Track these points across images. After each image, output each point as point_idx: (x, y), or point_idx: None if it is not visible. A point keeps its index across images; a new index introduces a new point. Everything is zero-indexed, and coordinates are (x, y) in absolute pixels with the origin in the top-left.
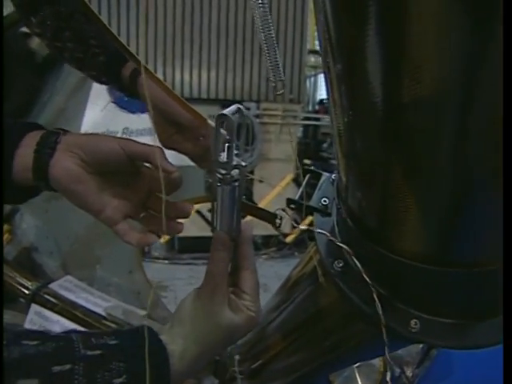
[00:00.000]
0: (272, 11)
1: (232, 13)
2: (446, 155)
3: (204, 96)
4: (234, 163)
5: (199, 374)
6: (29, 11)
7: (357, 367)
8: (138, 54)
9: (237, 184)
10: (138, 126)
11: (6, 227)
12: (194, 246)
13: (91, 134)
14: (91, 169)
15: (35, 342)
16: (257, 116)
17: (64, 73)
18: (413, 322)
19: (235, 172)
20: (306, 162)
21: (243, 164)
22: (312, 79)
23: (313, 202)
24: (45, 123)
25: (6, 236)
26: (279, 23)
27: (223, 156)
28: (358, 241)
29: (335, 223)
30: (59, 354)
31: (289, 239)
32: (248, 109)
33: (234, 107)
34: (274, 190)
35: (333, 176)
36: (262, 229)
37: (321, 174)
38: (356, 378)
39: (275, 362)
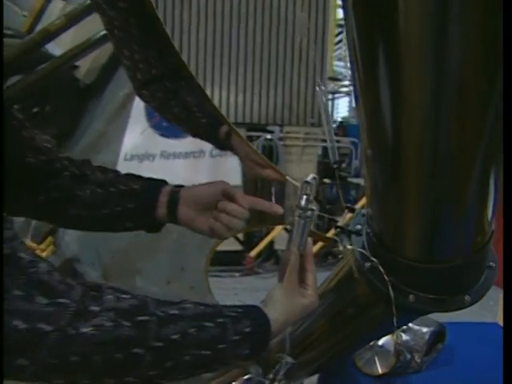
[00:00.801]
0: (296, 42)
1: (258, 43)
2: (427, 192)
3: (231, 120)
4: (309, 207)
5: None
6: (141, 85)
7: (376, 352)
8: None
9: (308, 219)
10: (175, 150)
11: (49, 239)
12: (220, 260)
13: (198, 185)
14: (200, 208)
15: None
16: (280, 139)
17: (104, 100)
18: (411, 296)
19: (309, 213)
20: (326, 180)
21: (314, 208)
22: (330, 103)
23: (351, 227)
24: (86, 145)
25: (50, 247)
26: (301, 53)
27: (303, 202)
28: (378, 249)
29: (364, 240)
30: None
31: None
32: (272, 132)
33: (311, 175)
34: None
35: (362, 211)
36: (283, 244)
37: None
38: (375, 361)
39: (315, 345)
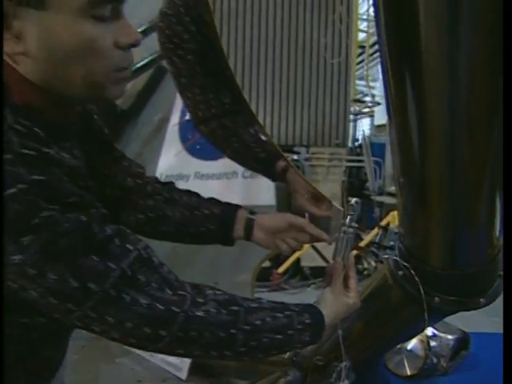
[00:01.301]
0: (321, 66)
1: (285, 67)
2: (448, 211)
3: None
4: (353, 225)
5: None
6: (201, 122)
7: (405, 355)
8: None
9: (351, 235)
10: (208, 171)
11: None
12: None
13: (270, 215)
14: (270, 233)
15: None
16: (306, 159)
17: (140, 123)
18: (436, 298)
19: (352, 230)
20: (351, 199)
21: (356, 226)
22: (351, 124)
23: (385, 243)
24: None
25: None
26: (326, 77)
27: (347, 221)
28: (408, 260)
29: (397, 253)
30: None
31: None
32: (299, 153)
33: (354, 199)
34: None
35: (395, 229)
36: (309, 261)
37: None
38: (404, 363)
39: (352, 347)
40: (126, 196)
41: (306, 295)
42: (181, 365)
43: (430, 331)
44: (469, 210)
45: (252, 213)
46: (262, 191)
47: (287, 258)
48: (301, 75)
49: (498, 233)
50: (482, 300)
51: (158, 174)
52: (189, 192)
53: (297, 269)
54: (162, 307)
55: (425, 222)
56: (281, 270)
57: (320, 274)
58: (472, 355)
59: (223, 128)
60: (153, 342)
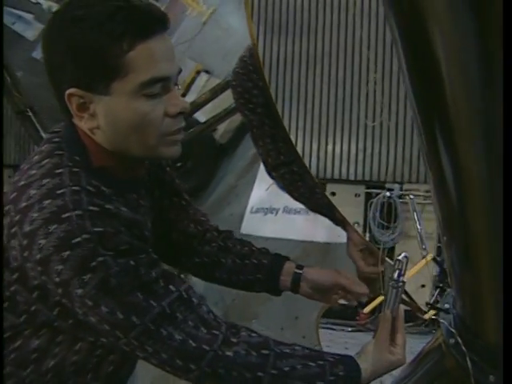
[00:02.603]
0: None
1: (378, 103)
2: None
3: (351, 177)
4: (401, 279)
5: None
6: (272, 168)
7: None
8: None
9: (400, 289)
10: (296, 206)
11: None
12: (334, 313)
13: (317, 271)
14: (316, 289)
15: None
16: (400, 196)
17: (236, 157)
18: (491, 376)
19: (400, 284)
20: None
21: (404, 280)
22: None
23: (440, 305)
24: (219, 196)
25: None
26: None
27: (395, 275)
28: (461, 329)
29: (451, 318)
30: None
31: (427, 316)
32: (392, 190)
33: (403, 254)
34: (415, 267)
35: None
36: None
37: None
38: None
39: None
40: (187, 241)
41: None
42: None
43: None
44: None
45: (299, 266)
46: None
47: (374, 298)
48: (395, 110)
49: None
50: None
51: (249, 206)
52: (242, 241)
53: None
54: (194, 344)
55: (474, 288)
56: (367, 310)
57: (409, 318)
58: None
59: (291, 173)
60: (184, 372)
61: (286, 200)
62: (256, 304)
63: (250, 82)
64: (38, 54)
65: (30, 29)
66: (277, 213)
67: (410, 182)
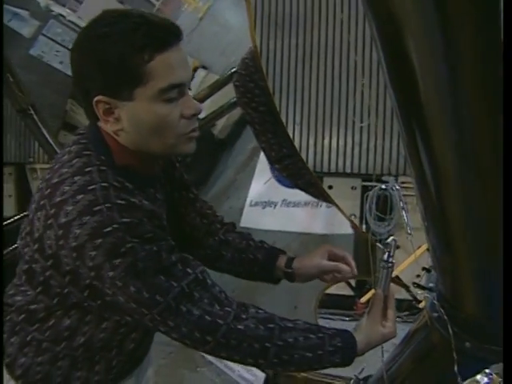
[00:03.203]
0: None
1: (374, 98)
2: (475, 258)
3: (348, 170)
4: (390, 261)
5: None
6: (275, 161)
7: None
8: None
9: (390, 269)
10: (294, 199)
11: None
12: (332, 303)
13: (304, 260)
14: (308, 278)
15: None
16: (394, 188)
17: (235, 152)
18: (467, 343)
19: (390, 264)
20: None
21: (393, 261)
22: None
23: (426, 285)
24: (218, 190)
25: None
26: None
27: (385, 257)
28: (443, 305)
29: (435, 295)
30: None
31: (421, 304)
32: (387, 182)
33: (391, 238)
34: (410, 257)
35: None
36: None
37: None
38: None
39: None
40: (193, 233)
41: None
42: (255, 382)
43: (498, 382)
44: (494, 255)
45: (289, 262)
46: (342, 221)
47: (371, 288)
48: (390, 105)
49: None
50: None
51: (248, 200)
52: (241, 235)
53: None
54: (209, 318)
55: (452, 268)
56: (364, 299)
57: (406, 307)
58: None
59: (294, 164)
60: (201, 344)
61: (285, 193)
62: (255, 294)
63: (251, 82)
64: (35, 51)
65: (26, 26)
66: (275, 206)
67: (405, 174)
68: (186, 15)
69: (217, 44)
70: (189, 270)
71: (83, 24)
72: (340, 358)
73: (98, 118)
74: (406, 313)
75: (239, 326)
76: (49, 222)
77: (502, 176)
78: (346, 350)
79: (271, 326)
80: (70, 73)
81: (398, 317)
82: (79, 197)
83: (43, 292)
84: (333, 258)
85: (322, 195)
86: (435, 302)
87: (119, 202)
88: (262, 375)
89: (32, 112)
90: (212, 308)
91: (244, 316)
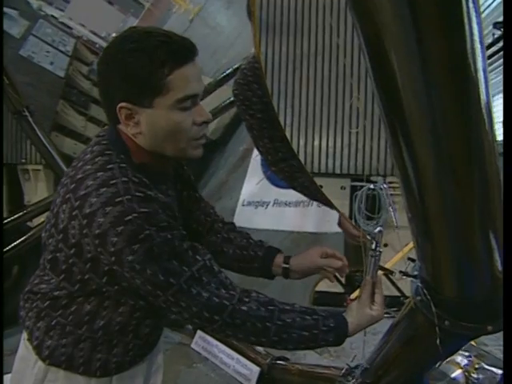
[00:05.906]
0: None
1: (362, 101)
2: (451, 246)
3: (337, 171)
4: (378, 249)
5: None
6: (271, 164)
7: (448, 383)
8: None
9: (377, 257)
10: (286, 199)
11: None
12: (323, 300)
13: (300, 258)
14: (304, 274)
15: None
16: (382, 189)
17: (226, 153)
18: (446, 322)
19: (377, 253)
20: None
21: (381, 250)
22: None
23: (410, 272)
24: (210, 191)
25: None
26: None
27: (373, 246)
28: (425, 289)
29: (419, 281)
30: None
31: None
32: (376, 182)
33: (378, 228)
34: (398, 254)
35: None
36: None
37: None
38: None
39: (392, 368)
40: (198, 230)
41: (381, 324)
42: (250, 376)
43: (476, 364)
44: (467, 244)
45: (286, 259)
46: (333, 220)
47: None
48: (377, 105)
49: (499, 267)
50: (489, 327)
51: (240, 200)
52: (242, 234)
53: None
54: (217, 300)
55: (432, 255)
56: (354, 295)
57: (394, 304)
58: None
59: (290, 167)
60: (210, 323)
61: (276, 193)
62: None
63: (249, 91)
64: (25, 51)
65: (15, 26)
66: (267, 206)
67: (392, 174)
68: (176, 17)
69: (207, 46)
70: (198, 257)
71: (72, 24)
72: (333, 336)
73: (118, 122)
74: (395, 309)
75: (243, 308)
76: (73, 213)
77: (502, 176)
78: (338, 329)
79: (271, 307)
80: (60, 73)
81: (386, 312)
82: (102, 190)
83: (66, 279)
84: (325, 256)
85: (318, 196)
86: (419, 285)
87: (138, 194)
88: (256, 369)
89: (27, 114)
90: (219, 291)
91: (247, 299)
